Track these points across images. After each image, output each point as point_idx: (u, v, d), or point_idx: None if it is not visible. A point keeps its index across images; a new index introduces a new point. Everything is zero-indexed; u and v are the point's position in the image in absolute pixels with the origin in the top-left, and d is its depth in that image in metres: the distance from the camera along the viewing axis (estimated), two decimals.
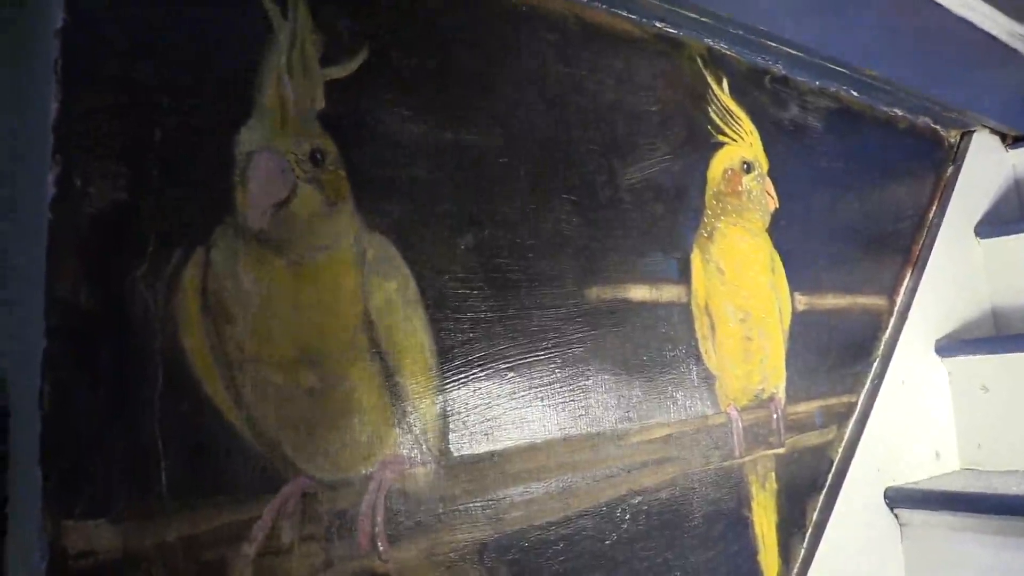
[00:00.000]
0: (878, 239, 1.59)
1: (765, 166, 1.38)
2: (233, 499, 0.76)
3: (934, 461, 1.58)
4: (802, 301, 1.39)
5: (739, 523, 1.20)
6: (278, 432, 0.79)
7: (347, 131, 0.90)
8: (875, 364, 1.51)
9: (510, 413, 0.97)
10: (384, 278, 0.90)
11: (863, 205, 1.58)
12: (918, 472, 1.53)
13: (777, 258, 1.36)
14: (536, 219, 1.04)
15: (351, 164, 0.90)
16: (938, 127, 1.81)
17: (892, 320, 1.58)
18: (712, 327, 1.22)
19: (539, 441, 1.00)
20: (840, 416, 1.42)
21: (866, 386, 1.48)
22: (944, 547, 1.43)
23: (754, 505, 1.23)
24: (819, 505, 1.34)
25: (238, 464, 0.76)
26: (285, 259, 0.83)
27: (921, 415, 1.57)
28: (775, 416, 1.29)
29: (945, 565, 1.43)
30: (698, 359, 1.20)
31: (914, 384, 1.57)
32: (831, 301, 1.46)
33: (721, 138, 1.30)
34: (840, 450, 1.40)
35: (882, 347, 1.54)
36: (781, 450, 1.29)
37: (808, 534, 1.31)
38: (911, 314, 1.59)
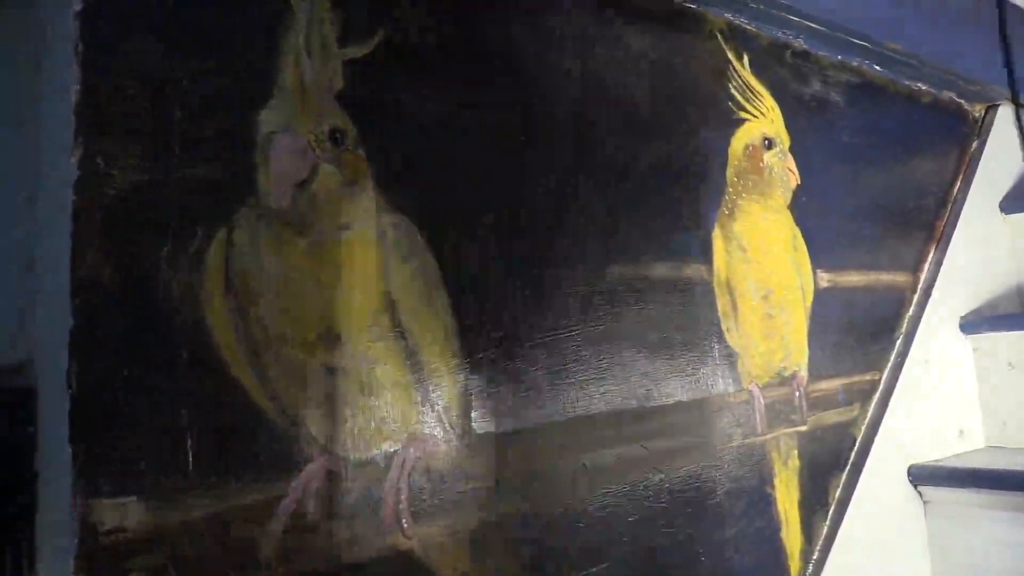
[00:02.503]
0: (901, 215, 1.58)
1: (787, 142, 1.37)
2: (258, 477, 0.76)
3: (958, 439, 1.57)
4: (824, 278, 1.38)
5: (761, 500, 1.20)
6: (302, 411, 0.80)
7: (366, 111, 0.90)
8: (898, 341, 1.50)
9: (532, 391, 0.98)
10: (405, 258, 0.90)
11: (886, 181, 1.56)
12: (942, 450, 1.52)
13: (799, 235, 1.35)
14: (557, 198, 1.04)
15: (371, 144, 0.89)
16: (962, 101, 1.78)
17: (916, 297, 1.56)
18: (734, 305, 1.22)
19: (561, 419, 1.00)
20: (863, 394, 1.42)
21: (889, 363, 1.47)
22: (968, 524, 1.42)
23: (776, 482, 1.23)
24: (842, 482, 1.34)
25: (263, 442, 0.77)
26: (307, 239, 0.83)
27: (945, 392, 1.56)
28: (797, 394, 1.29)
29: (969, 542, 1.42)
30: (720, 337, 1.19)
31: (938, 361, 1.55)
32: (854, 278, 1.44)
33: (742, 114, 1.29)
34: (863, 428, 1.40)
35: (906, 324, 1.52)
36: (804, 427, 1.29)
37: (831, 511, 1.31)
38: (935, 291, 1.57)
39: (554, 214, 1.04)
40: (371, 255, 0.88)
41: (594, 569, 1.00)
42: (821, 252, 1.38)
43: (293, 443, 0.79)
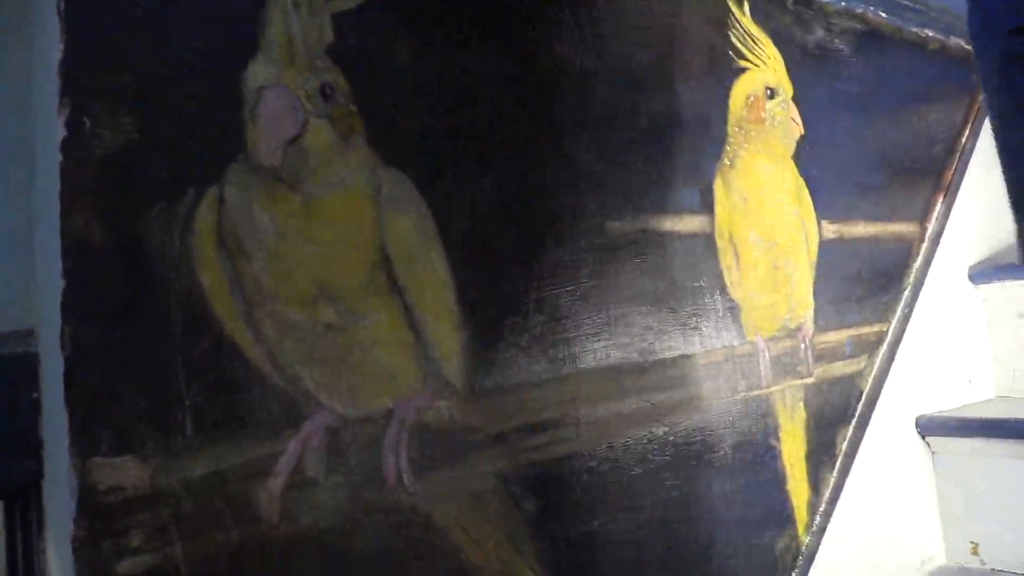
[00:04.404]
0: (908, 165, 1.55)
1: (789, 91, 1.34)
2: (256, 434, 0.76)
3: (967, 389, 1.56)
4: (830, 229, 1.36)
5: (767, 453, 1.20)
6: (299, 368, 0.80)
7: (358, 65, 0.88)
8: (906, 292, 1.48)
9: (533, 346, 0.97)
10: (400, 213, 0.89)
11: (892, 130, 1.54)
12: (950, 400, 1.51)
13: (803, 186, 1.33)
14: (555, 151, 1.03)
15: (363, 99, 0.88)
16: (971, 48, 1.74)
17: (924, 247, 1.54)
18: (737, 257, 1.20)
19: (562, 374, 0.99)
20: (870, 345, 1.40)
21: (897, 314, 1.46)
22: (976, 474, 1.42)
23: (782, 435, 1.22)
24: (849, 434, 1.33)
25: (260, 400, 0.77)
26: (300, 195, 0.83)
27: (954, 343, 1.55)
28: (803, 345, 1.28)
29: (977, 491, 1.42)
30: (723, 289, 1.18)
31: (947, 312, 1.54)
32: (860, 229, 1.43)
33: (743, 63, 1.26)
34: (870, 379, 1.39)
35: (913, 275, 1.50)
36: (810, 380, 1.28)
37: (838, 463, 1.30)
38: (943, 241, 1.55)
39: (552, 168, 1.02)
40: (366, 211, 0.87)
41: (596, 523, 1.00)
42: (826, 203, 1.36)
43: (291, 400, 0.79)
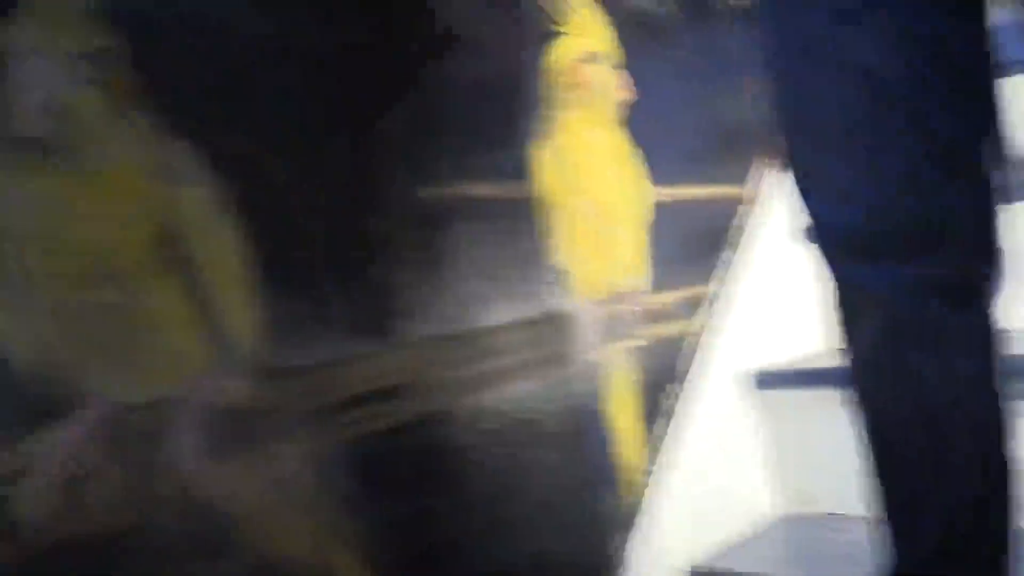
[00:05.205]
0: (737, 130, 1.59)
1: (617, 57, 1.35)
2: (17, 429, 0.70)
3: (798, 344, 1.62)
4: (660, 193, 1.38)
5: (595, 417, 1.21)
6: (72, 354, 0.74)
7: (138, 28, 0.82)
8: (736, 252, 1.52)
9: (343, 320, 0.94)
10: (187, 185, 0.84)
11: (723, 96, 1.57)
12: (782, 355, 1.57)
13: (633, 150, 1.34)
14: (357, 118, 0.99)
15: (142, 64, 0.82)
16: None
17: (753, 209, 1.59)
18: (562, 222, 1.20)
19: (377, 348, 0.97)
20: (701, 305, 1.44)
21: (727, 274, 1.50)
22: (808, 423, 1.47)
23: (611, 398, 1.24)
24: (681, 393, 1.36)
25: (23, 392, 0.71)
26: (70, 168, 0.76)
27: (784, 300, 1.61)
28: (634, 309, 1.29)
29: (809, 440, 1.47)
30: (547, 254, 1.17)
31: (776, 270, 1.59)
32: (690, 192, 1.45)
33: (561, 28, 1.25)
34: (701, 338, 1.42)
35: (743, 236, 1.55)
36: (641, 342, 1.30)
37: (670, 422, 1.33)
38: (773, 202, 1.61)
39: (356, 134, 0.99)
40: (148, 184, 0.81)
41: (421, 500, 0.99)
42: (658, 168, 1.38)
43: (60, 391, 0.73)
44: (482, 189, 1.10)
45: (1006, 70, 0.81)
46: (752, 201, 1.58)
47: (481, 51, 1.14)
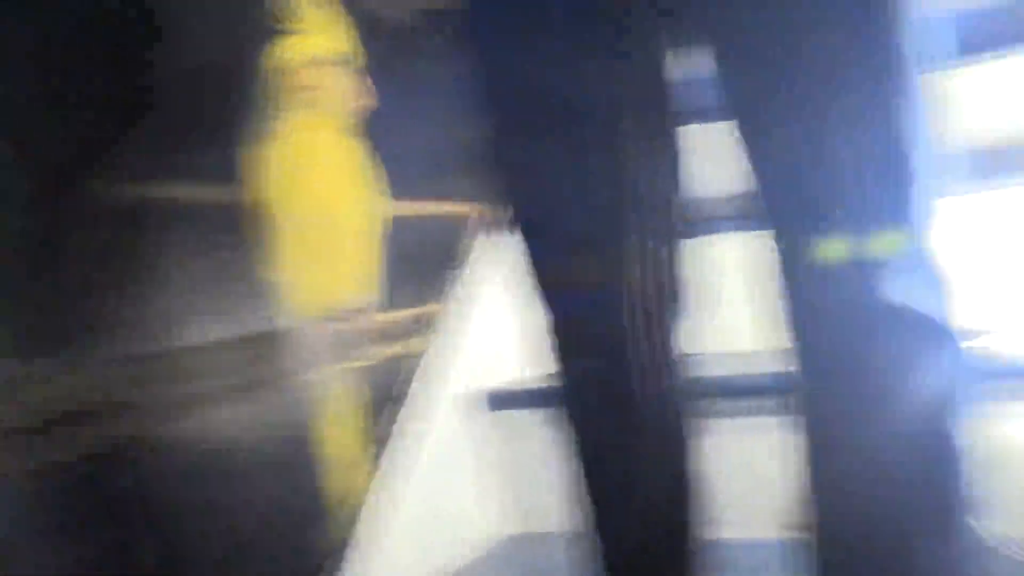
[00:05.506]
0: (471, 147, 1.58)
1: (358, 61, 1.28)
2: None
3: (530, 363, 1.63)
4: (395, 206, 1.33)
5: (308, 444, 1.13)
6: None
7: None
8: (468, 269, 1.51)
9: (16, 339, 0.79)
10: None
11: (463, 113, 1.55)
12: (512, 374, 1.57)
13: (368, 160, 1.28)
14: (29, 101, 0.85)
15: None
16: None
17: (482, 226, 1.58)
18: (280, 230, 1.11)
19: (50, 367, 0.83)
20: (431, 323, 1.41)
21: (459, 292, 1.48)
22: (535, 443, 1.49)
23: (330, 422, 1.16)
24: (407, 414, 1.32)
25: None
26: None
27: (515, 317, 1.61)
28: (361, 326, 1.23)
29: (536, 460, 1.48)
30: (261, 266, 1.08)
31: (504, 288, 1.59)
32: (428, 207, 1.42)
33: (288, 26, 1.17)
34: (431, 357, 1.39)
35: (473, 251, 1.54)
36: (367, 362, 1.24)
37: (395, 445, 1.28)
38: (496, 220, 1.60)
39: (34, 123, 0.85)
40: None
41: (105, 538, 0.86)
42: (394, 179, 1.33)
43: None
44: (187, 191, 0.99)
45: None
46: (483, 218, 1.57)
47: (194, 42, 1.03)
